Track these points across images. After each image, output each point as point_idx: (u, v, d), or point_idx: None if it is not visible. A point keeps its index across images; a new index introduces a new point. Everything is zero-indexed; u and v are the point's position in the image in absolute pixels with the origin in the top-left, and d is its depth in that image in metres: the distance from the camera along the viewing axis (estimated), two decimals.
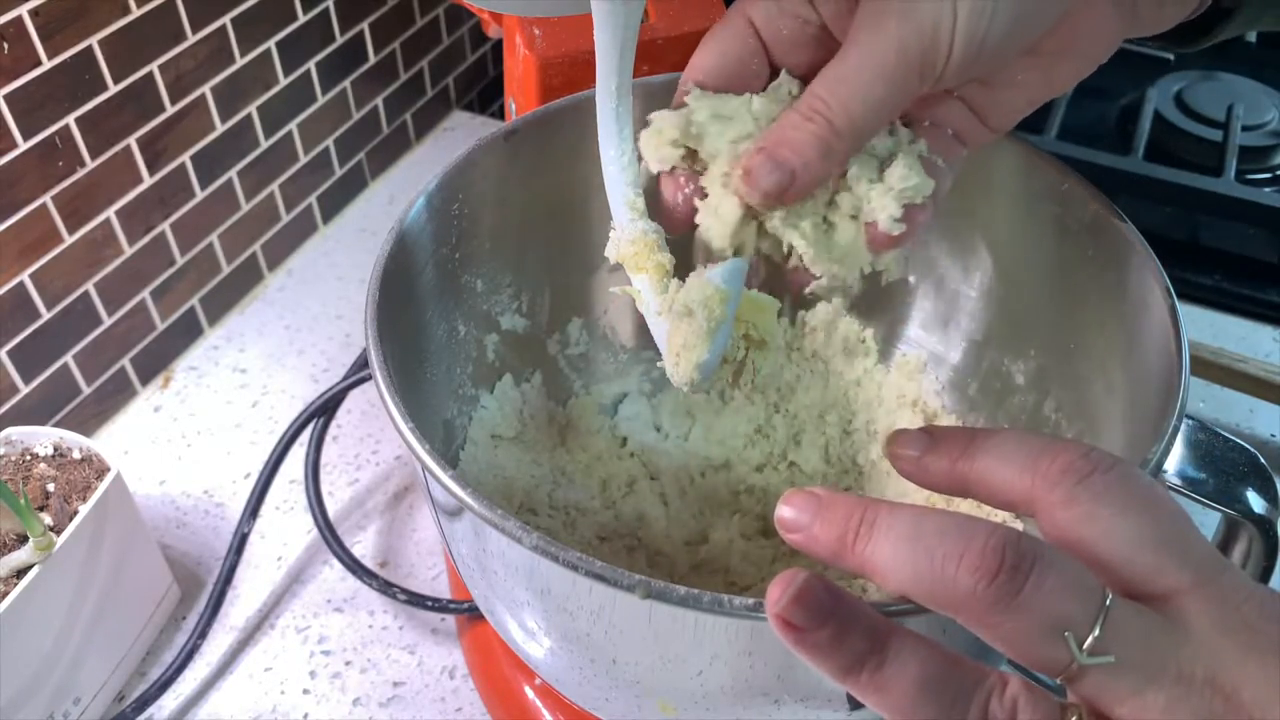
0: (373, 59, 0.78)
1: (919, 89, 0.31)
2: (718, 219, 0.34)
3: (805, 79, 0.34)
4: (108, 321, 0.63)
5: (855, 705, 0.33)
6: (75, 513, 0.46)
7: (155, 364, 0.67)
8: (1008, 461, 0.28)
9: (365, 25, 0.76)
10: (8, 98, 0.52)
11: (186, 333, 0.69)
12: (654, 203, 0.40)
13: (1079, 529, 0.26)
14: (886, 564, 0.26)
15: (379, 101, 0.80)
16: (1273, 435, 0.63)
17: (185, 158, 0.64)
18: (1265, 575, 0.36)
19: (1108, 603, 0.24)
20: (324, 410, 0.55)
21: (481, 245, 0.46)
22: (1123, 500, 0.26)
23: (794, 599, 0.25)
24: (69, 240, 0.58)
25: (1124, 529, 0.25)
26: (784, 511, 0.28)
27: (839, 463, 0.50)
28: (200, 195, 0.66)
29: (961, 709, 0.25)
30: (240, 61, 0.66)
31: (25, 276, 0.57)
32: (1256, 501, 0.34)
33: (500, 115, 0.95)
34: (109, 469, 0.48)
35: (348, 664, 0.53)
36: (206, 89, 0.64)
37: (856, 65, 0.30)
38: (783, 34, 0.34)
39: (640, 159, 0.37)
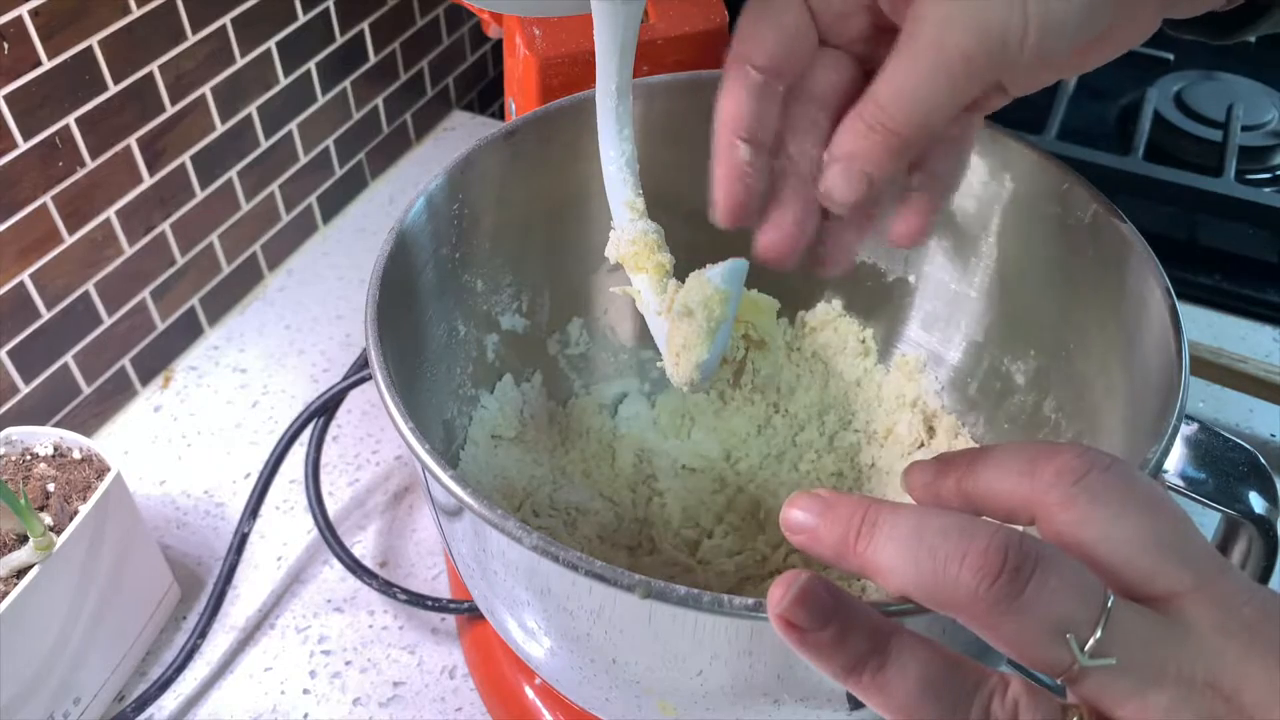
0: (373, 59, 0.78)
1: (984, 88, 0.30)
2: None
3: (850, 52, 0.33)
4: (108, 321, 0.63)
5: (855, 705, 0.33)
6: (75, 513, 0.46)
7: (155, 364, 0.67)
8: (1006, 471, 0.28)
9: (365, 25, 0.76)
10: (8, 98, 0.52)
11: (186, 333, 0.69)
12: (653, 201, 0.40)
13: (1077, 531, 0.26)
14: (889, 564, 0.26)
15: (379, 101, 0.80)
16: (1273, 435, 0.63)
17: (185, 158, 0.64)
18: (1265, 575, 0.36)
19: (1109, 604, 0.24)
20: (324, 410, 0.55)
21: (481, 245, 0.46)
22: (1120, 501, 0.26)
23: (796, 599, 0.25)
24: (69, 240, 0.58)
25: (1122, 530, 0.25)
26: (791, 514, 0.28)
27: (838, 463, 0.50)
28: (200, 195, 0.66)
29: (964, 710, 0.25)
30: (240, 61, 0.66)
31: (25, 276, 0.57)
32: (1256, 501, 0.34)
33: (500, 115, 0.95)
34: (109, 469, 0.48)
35: (348, 664, 0.53)
36: (206, 89, 0.64)
37: (918, 68, 0.29)
38: (834, 5, 0.33)
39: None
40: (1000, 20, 0.28)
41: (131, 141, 0.60)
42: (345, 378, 0.56)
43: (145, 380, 0.67)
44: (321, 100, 0.74)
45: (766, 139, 0.33)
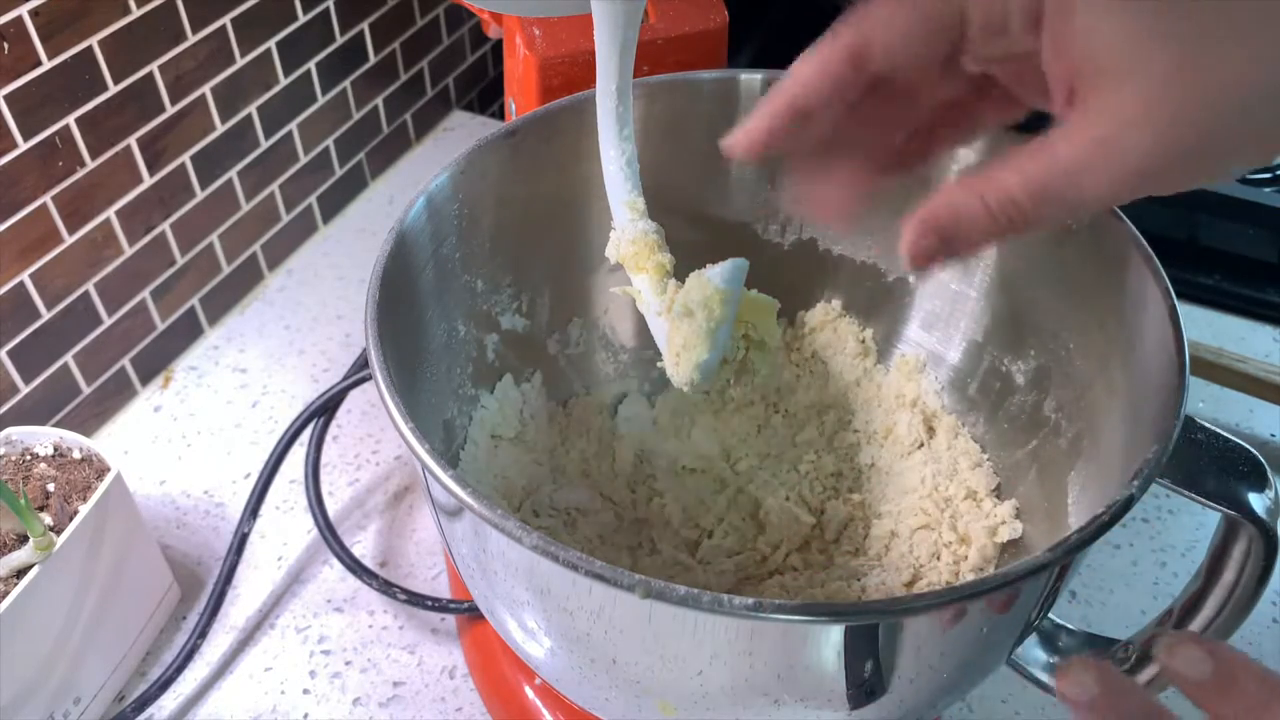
0: (373, 59, 0.78)
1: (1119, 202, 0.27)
2: None
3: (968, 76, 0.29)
4: (108, 321, 0.63)
5: (855, 705, 0.33)
6: (75, 513, 0.46)
7: (155, 364, 0.67)
8: None
9: (365, 25, 0.76)
10: (8, 98, 0.52)
11: (186, 333, 0.69)
12: (653, 201, 0.40)
13: None
14: None
15: (379, 101, 0.80)
16: (1273, 435, 0.63)
17: (185, 158, 0.64)
18: (1265, 576, 0.36)
19: None
20: (324, 410, 0.55)
21: (481, 245, 0.46)
22: None
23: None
24: (69, 240, 0.58)
25: None
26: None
27: (838, 463, 0.50)
28: (200, 195, 0.66)
29: None
30: (240, 61, 0.66)
31: (25, 276, 0.57)
32: (1257, 501, 0.34)
33: (500, 115, 0.95)
34: (109, 469, 0.48)
35: (348, 664, 0.53)
36: (206, 89, 0.64)
37: (1072, 165, 0.25)
38: (995, 40, 0.28)
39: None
40: (1218, 135, 0.24)
41: (131, 141, 0.60)
42: (345, 378, 0.56)
43: (145, 380, 0.67)
44: (321, 100, 0.74)
45: (823, 118, 0.29)
